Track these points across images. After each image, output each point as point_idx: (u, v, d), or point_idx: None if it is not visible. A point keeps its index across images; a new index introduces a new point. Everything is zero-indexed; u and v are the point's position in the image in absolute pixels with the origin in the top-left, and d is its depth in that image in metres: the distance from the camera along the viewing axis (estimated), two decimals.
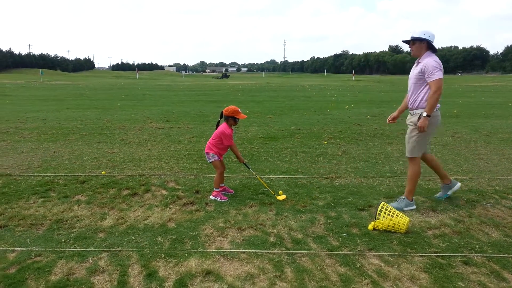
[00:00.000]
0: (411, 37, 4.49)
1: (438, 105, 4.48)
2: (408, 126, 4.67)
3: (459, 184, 4.93)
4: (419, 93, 4.48)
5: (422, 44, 4.45)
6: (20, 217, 4.31)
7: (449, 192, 4.91)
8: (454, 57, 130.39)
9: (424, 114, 4.37)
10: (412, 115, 4.61)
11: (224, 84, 53.74)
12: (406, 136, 4.68)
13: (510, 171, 6.32)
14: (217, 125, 5.08)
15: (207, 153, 5.01)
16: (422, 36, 4.41)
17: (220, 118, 5.04)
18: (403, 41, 4.67)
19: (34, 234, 3.89)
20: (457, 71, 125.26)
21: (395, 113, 5.01)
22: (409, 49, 4.73)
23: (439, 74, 4.31)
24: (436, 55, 4.51)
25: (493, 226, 4.12)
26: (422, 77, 4.42)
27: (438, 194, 5.02)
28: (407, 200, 4.63)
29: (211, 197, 4.95)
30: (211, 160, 5.01)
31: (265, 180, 5.78)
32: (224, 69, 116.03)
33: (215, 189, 5.00)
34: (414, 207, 4.63)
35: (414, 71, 4.55)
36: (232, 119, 4.95)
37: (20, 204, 4.73)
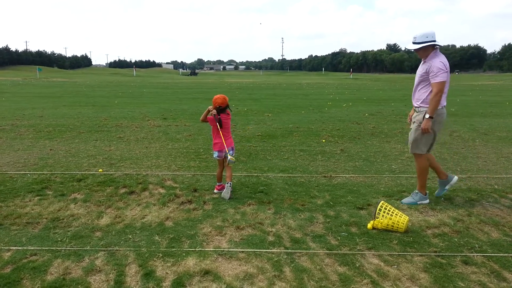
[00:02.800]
0: (414, 49, 4.49)
1: (444, 103, 4.50)
2: (413, 123, 4.70)
3: (456, 177, 4.91)
4: (424, 92, 4.51)
5: (427, 47, 4.44)
6: (15, 216, 4.26)
7: (447, 187, 4.90)
8: (452, 55, 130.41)
9: (427, 116, 4.38)
10: (417, 112, 4.63)
11: (222, 82, 53.64)
12: (411, 133, 4.69)
13: (509, 170, 6.31)
14: (220, 122, 4.96)
15: (221, 150, 4.99)
16: (425, 39, 4.40)
17: (219, 114, 4.95)
18: (408, 50, 4.68)
19: (29, 233, 3.85)
20: (454, 69, 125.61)
21: (411, 112, 4.95)
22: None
23: (442, 76, 4.31)
24: (440, 51, 4.51)
25: (493, 225, 4.11)
26: (426, 77, 4.44)
27: (436, 192, 5.01)
28: (421, 194, 4.71)
29: (229, 191, 4.87)
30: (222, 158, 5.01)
31: (264, 178, 5.74)
32: (193, 68, 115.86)
33: (230, 182, 4.91)
34: (428, 201, 4.71)
35: (421, 70, 4.56)
36: (227, 108, 5.04)
37: (15, 202, 4.68)
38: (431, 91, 4.41)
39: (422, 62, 4.59)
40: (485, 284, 3.00)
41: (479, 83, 50.90)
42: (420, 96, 4.54)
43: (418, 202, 4.68)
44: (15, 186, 5.28)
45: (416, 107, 4.64)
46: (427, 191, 4.81)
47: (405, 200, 4.76)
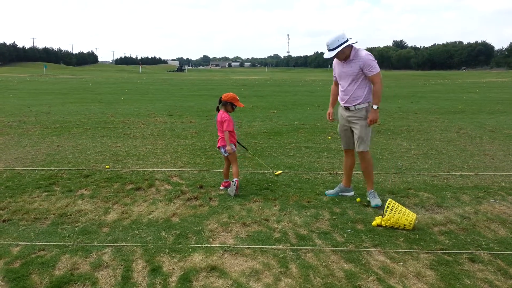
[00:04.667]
0: (332, 55, 4.43)
1: (370, 98, 4.55)
2: (353, 122, 4.62)
3: (352, 193, 4.93)
4: (360, 89, 4.50)
5: (343, 49, 4.39)
6: (24, 211, 4.30)
7: (341, 193, 4.91)
8: (459, 52, 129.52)
9: (375, 107, 4.45)
10: (354, 111, 4.58)
11: (227, 78, 53.64)
12: (357, 132, 4.61)
13: None
14: (217, 110, 5.13)
15: (223, 146, 5.00)
16: (338, 43, 4.35)
17: (219, 104, 5.04)
18: (327, 58, 4.54)
19: (38, 228, 3.89)
20: (461, 66, 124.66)
21: (330, 110, 4.99)
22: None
23: (378, 67, 4.43)
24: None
25: (500, 223, 4.09)
26: (361, 74, 4.45)
27: (330, 191, 4.97)
28: (374, 192, 4.73)
29: (235, 187, 4.88)
30: (229, 153, 5.01)
31: (269, 175, 5.75)
32: (181, 64, 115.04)
33: (237, 179, 4.91)
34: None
35: (348, 69, 4.50)
36: (230, 105, 4.98)
37: (24, 198, 4.72)
38: (367, 87, 4.49)
39: (344, 63, 4.53)
40: (492, 282, 2.99)
41: (486, 80, 50.48)
42: (358, 94, 4.51)
43: (377, 198, 4.64)
44: (23, 182, 5.33)
45: (353, 105, 4.56)
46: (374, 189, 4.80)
47: (372, 204, 4.62)
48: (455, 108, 15.04)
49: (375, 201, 4.61)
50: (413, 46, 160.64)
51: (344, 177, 4.99)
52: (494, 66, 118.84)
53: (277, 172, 5.52)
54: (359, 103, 4.53)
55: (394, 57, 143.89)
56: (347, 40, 4.38)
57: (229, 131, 4.94)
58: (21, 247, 3.49)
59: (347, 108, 4.64)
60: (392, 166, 6.35)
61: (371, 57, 4.41)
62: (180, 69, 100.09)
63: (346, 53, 4.44)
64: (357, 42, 4.45)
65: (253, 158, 6.80)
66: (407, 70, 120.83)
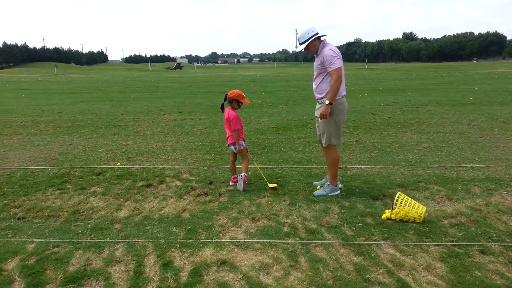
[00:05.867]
0: (302, 49, 4.54)
1: (343, 92, 4.53)
2: (317, 116, 4.68)
3: (339, 192, 4.79)
4: (325, 83, 4.53)
5: (313, 42, 4.46)
6: (38, 209, 4.39)
7: (327, 191, 4.72)
8: (470, 43, 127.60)
9: (327, 102, 4.43)
10: (320, 104, 4.64)
11: (236, 75, 53.64)
12: (320, 127, 4.67)
13: None
14: (222, 107, 5.18)
15: (233, 143, 5.04)
16: (307, 36, 4.45)
17: (224, 101, 5.07)
18: (298, 51, 4.66)
19: (51, 226, 3.96)
20: (473, 57, 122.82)
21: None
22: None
23: (338, 63, 4.38)
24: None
25: (511, 214, 4.05)
26: (323, 68, 4.47)
27: (316, 192, 4.78)
28: (332, 186, 4.70)
29: (243, 182, 4.90)
30: (240, 149, 5.05)
31: (279, 170, 5.77)
32: (177, 62, 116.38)
33: (244, 174, 4.96)
34: (339, 191, 4.75)
35: (316, 63, 4.59)
36: (235, 102, 5.00)
37: (37, 196, 4.81)
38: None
39: (315, 57, 4.60)
40: (503, 274, 2.97)
41: (498, 70, 49.71)
42: (322, 88, 4.55)
43: (329, 194, 4.66)
44: (37, 181, 5.42)
45: (319, 98, 4.63)
46: (339, 183, 4.81)
47: (316, 193, 4.68)
48: (467, 100, 14.86)
49: (320, 192, 4.67)
50: (423, 38, 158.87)
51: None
52: (507, 56, 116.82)
53: (271, 185, 5.00)
54: (322, 97, 4.57)
55: (404, 50, 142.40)
56: (316, 34, 4.43)
57: (236, 129, 4.97)
58: (36, 244, 3.56)
59: (317, 101, 4.71)
60: (402, 160, 6.32)
61: (332, 53, 4.38)
62: (179, 67, 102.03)
63: (316, 47, 4.50)
64: (326, 35, 4.48)
65: (262, 154, 6.83)
66: (417, 62, 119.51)
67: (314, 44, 4.49)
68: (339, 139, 4.70)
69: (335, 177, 4.74)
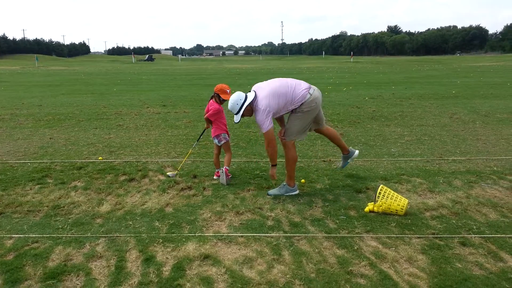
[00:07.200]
0: (239, 119, 4.46)
1: (312, 89, 4.45)
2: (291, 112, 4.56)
3: (357, 152, 4.96)
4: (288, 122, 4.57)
5: (247, 108, 4.37)
6: (17, 204, 4.29)
7: (349, 160, 4.99)
8: (453, 37, 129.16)
9: (271, 163, 4.51)
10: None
11: (221, 67, 53.33)
12: (288, 122, 4.60)
13: (508, 152, 6.31)
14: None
15: (218, 135, 5.01)
16: (237, 106, 4.37)
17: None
18: (236, 122, 4.51)
19: (31, 221, 3.88)
20: (456, 51, 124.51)
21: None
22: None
23: (265, 126, 4.26)
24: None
25: (491, 206, 4.13)
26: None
27: (340, 165, 5.09)
28: (287, 187, 4.56)
29: (225, 175, 4.87)
30: (222, 142, 5.04)
31: (263, 164, 5.76)
32: (149, 55, 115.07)
33: (227, 167, 4.94)
34: (297, 191, 4.59)
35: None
36: (216, 96, 4.99)
37: (16, 191, 4.71)
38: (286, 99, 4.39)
39: None
40: (482, 265, 3.03)
41: (480, 64, 50.54)
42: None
43: (285, 194, 4.53)
44: (16, 175, 5.30)
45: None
46: (297, 182, 4.70)
47: (271, 192, 4.59)
48: (449, 93, 15.06)
49: (274, 191, 4.57)
50: (408, 31, 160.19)
51: (341, 150, 4.97)
52: (489, 50, 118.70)
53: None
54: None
55: (389, 43, 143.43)
56: (245, 99, 4.35)
57: (211, 120, 5.01)
58: (14, 239, 3.49)
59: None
60: (385, 153, 6.37)
61: (259, 118, 4.27)
62: (150, 59, 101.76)
63: (249, 111, 4.41)
64: (254, 97, 4.36)
65: (247, 147, 6.80)
66: (401, 55, 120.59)
67: (247, 109, 4.37)
68: (302, 136, 4.58)
69: (292, 177, 4.55)
